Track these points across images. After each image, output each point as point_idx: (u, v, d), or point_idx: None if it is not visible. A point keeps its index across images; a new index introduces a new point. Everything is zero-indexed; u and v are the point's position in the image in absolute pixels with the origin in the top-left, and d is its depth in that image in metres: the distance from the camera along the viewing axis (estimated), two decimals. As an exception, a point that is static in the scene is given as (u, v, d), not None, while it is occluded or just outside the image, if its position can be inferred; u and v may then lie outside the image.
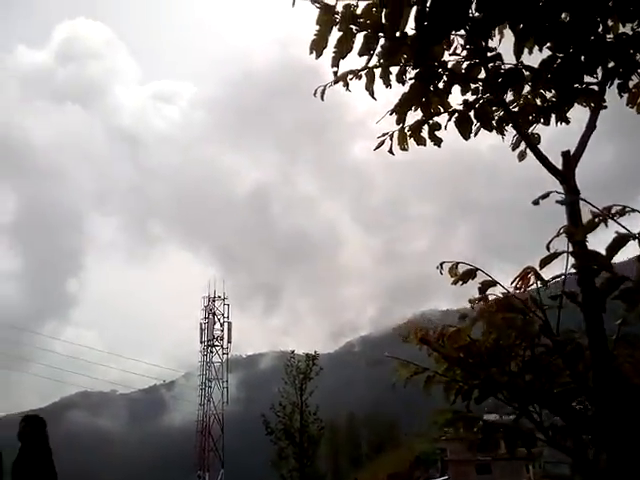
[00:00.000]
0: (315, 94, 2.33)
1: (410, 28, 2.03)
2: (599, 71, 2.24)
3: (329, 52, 2.17)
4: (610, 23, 2.18)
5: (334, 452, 71.22)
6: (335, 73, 2.26)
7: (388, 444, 79.44)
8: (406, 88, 2.33)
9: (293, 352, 29.03)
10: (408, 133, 2.49)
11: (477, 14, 2.01)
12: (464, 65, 2.35)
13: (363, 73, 2.30)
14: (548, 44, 2.16)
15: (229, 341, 45.60)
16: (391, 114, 2.42)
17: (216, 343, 45.64)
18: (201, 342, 45.81)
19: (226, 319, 45.85)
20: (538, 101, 2.57)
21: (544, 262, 2.02)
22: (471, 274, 2.26)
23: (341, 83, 2.31)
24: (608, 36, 2.17)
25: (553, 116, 2.59)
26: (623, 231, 1.85)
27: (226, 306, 46.03)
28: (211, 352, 45.57)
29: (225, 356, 46.07)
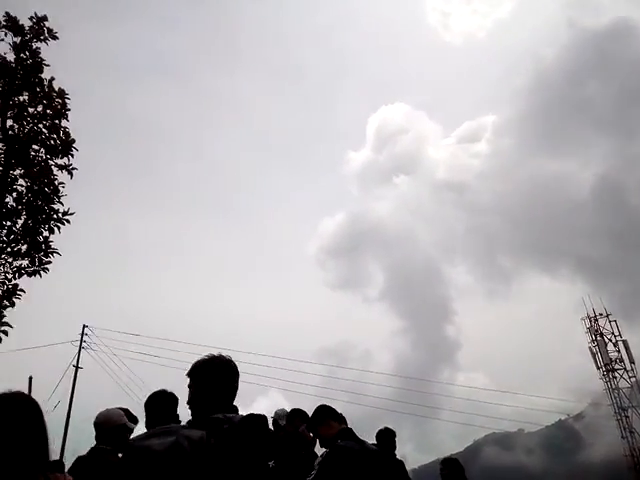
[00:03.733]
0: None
1: None
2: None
3: None
4: None
5: None
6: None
7: None
8: None
9: None
10: None
11: None
12: None
13: None
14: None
15: (631, 362, 40.20)
16: None
17: (616, 366, 40.85)
18: (598, 367, 41.81)
19: (619, 338, 40.89)
20: None
21: None
22: None
23: None
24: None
25: None
26: None
27: (613, 323, 41.22)
28: (614, 377, 40.92)
29: (633, 379, 40.54)
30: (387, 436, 5.78)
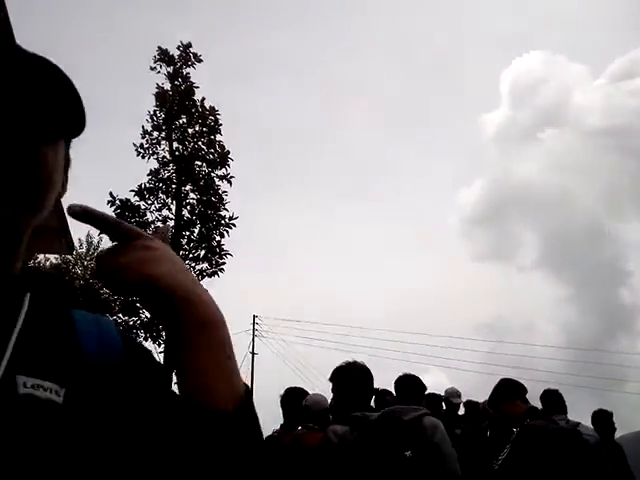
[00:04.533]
0: None
1: None
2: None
3: None
4: None
5: None
6: None
7: None
8: None
9: None
10: None
11: None
12: None
13: None
14: None
15: None
16: None
17: None
18: None
19: None
20: None
21: None
22: None
23: None
24: None
25: None
26: None
27: None
28: None
29: None
30: (603, 418, 5.37)
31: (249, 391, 0.65)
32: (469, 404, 6.07)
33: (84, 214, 0.61)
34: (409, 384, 3.83)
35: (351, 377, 3.10)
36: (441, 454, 2.83)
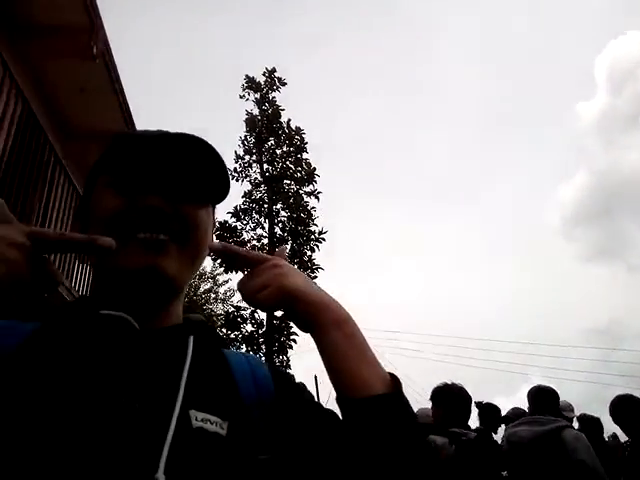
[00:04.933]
0: None
1: None
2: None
3: None
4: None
5: None
6: None
7: None
8: None
9: None
10: None
11: None
12: None
13: None
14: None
15: None
16: None
17: None
18: None
19: None
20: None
21: None
22: None
23: None
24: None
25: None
26: None
27: None
28: None
29: None
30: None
31: (394, 375, 0.69)
32: (584, 419, 5.63)
33: (223, 250, 0.72)
34: (544, 396, 3.59)
35: (449, 398, 3.26)
36: (587, 470, 2.79)
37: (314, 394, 0.79)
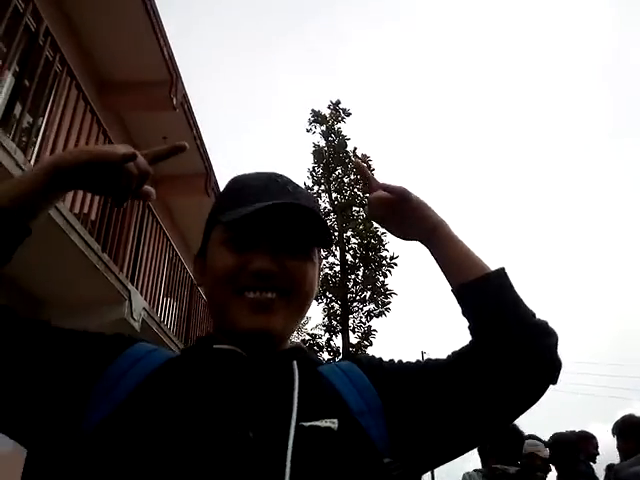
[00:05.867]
0: None
1: None
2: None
3: None
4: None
5: None
6: None
7: None
8: None
9: None
10: None
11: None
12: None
13: None
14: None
15: None
16: None
17: None
18: None
19: None
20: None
21: None
22: None
23: None
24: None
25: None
26: None
27: None
28: None
29: None
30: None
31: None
32: None
33: (360, 172, 0.94)
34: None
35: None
36: None
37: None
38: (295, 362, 0.76)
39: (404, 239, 0.92)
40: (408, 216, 0.87)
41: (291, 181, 0.85)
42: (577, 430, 3.96)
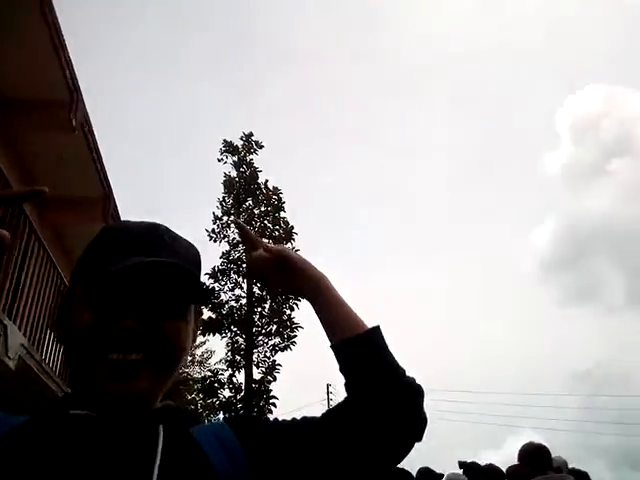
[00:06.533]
0: None
1: None
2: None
3: None
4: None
5: None
6: None
7: None
8: None
9: None
10: None
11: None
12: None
13: None
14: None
15: None
16: None
17: None
18: None
19: None
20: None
21: None
22: None
23: None
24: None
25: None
26: None
27: None
28: None
29: None
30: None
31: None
32: (573, 472, 5.30)
33: (241, 231, 0.94)
34: (541, 453, 3.51)
35: None
36: None
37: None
38: (161, 426, 0.70)
39: (289, 295, 0.92)
40: (288, 274, 0.87)
41: (169, 231, 0.80)
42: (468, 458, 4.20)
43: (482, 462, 4.15)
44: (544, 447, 3.63)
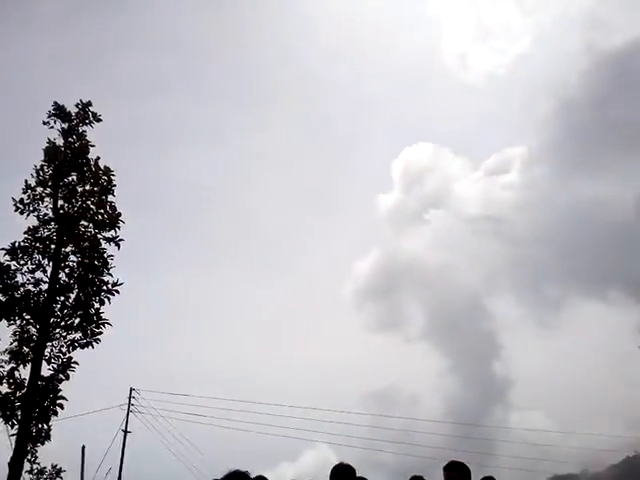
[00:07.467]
0: None
1: None
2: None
3: None
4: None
5: None
6: None
7: None
8: None
9: None
10: None
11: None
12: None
13: None
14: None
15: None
16: None
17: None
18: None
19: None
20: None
21: None
22: None
23: None
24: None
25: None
26: None
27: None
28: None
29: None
30: None
31: None
32: None
33: None
34: (348, 473, 3.88)
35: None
36: None
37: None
38: None
39: None
40: None
41: None
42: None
43: (277, 474, 4.52)
44: (351, 467, 3.98)
